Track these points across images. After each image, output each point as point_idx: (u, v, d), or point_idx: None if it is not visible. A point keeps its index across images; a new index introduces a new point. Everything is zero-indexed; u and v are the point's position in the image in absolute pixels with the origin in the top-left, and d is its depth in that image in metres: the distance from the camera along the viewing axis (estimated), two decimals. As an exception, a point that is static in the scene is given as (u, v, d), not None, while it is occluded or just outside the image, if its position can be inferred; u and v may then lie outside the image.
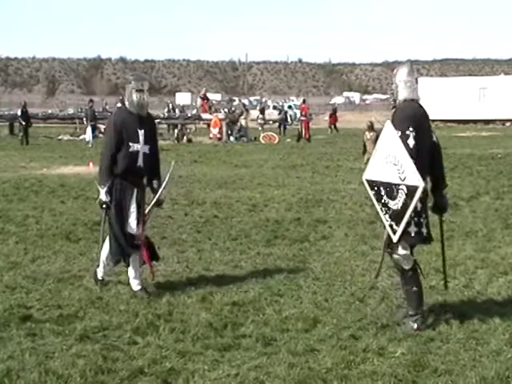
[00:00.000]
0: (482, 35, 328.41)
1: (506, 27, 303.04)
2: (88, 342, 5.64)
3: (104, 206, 6.98)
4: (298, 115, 42.25)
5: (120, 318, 6.25)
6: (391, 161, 5.92)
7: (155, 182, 7.21)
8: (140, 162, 7.03)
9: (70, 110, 56.65)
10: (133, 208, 6.99)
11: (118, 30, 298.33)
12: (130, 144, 6.96)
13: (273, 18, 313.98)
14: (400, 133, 5.87)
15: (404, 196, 5.77)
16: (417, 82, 6.26)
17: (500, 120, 51.95)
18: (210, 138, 34.47)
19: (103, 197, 6.95)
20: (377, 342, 5.58)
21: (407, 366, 5.08)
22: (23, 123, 32.30)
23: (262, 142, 33.65)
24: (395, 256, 6.03)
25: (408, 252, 5.98)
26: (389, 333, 5.82)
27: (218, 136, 34.50)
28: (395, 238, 5.89)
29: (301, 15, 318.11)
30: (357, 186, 15.76)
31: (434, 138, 6.19)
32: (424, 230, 5.97)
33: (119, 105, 7.31)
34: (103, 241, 7.20)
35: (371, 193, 6.19)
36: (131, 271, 7.13)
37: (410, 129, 5.86)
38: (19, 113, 33.28)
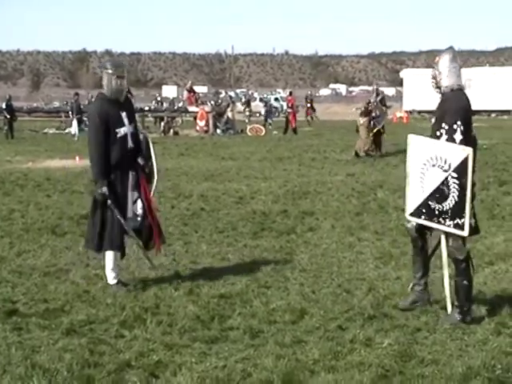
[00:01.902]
0: (468, 27, 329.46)
1: (491, 19, 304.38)
2: (74, 335, 5.62)
3: (103, 201, 6.86)
4: (285, 107, 42.20)
5: (107, 311, 6.23)
6: (429, 166, 5.82)
7: (141, 159, 7.11)
8: (130, 143, 7.01)
9: (56, 104, 56.26)
10: (131, 192, 6.96)
11: (104, 23, 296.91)
12: (117, 130, 6.92)
13: (259, 10, 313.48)
14: (448, 127, 5.75)
15: (457, 181, 5.66)
16: (460, 68, 6.09)
17: (485, 111, 52.16)
18: (197, 131, 34.37)
19: (104, 190, 6.81)
20: (364, 332, 5.59)
21: (394, 357, 5.10)
22: (8, 117, 32.02)
23: (249, 134, 33.60)
24: (449, 246, 5.94)
25: (460, 243, 5.91)
26: (376, 324, 5.84)
27: (205, 129, 34.41)
28: (466, 232, 5.74)
29: (287, 7, 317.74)
30: (343, 177, 15.80)
31: (474, 132, 6.03)
32: (473, 221, 5.88)
33: (94, 96, 7.26)
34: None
35: (422, 221, 6.02)
36: (110, 262, 7.02)
37: (458, 123, 5.74)
38: (4, 106, 33.01)
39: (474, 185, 5.82)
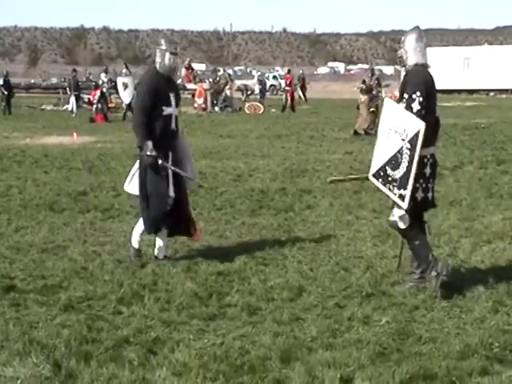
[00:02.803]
0: (467, 5, 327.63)
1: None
2: (72, 312, 5.62)
3: (153, 162, 6.76)
4: (283, 85, 42.01)
5: (104, 288, 6.23)
6: (392, 132, 5.96)
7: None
8: (173, 125, 6.98)
9: (53, 80, 56.11)
10: (169, 171, 6.92)
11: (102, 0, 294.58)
12: (164, 108, 6.89)
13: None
14: (407, 96, 5.91)
15: (408, 153, 5.78)
16: (425, 47, 6.25)
17: (484, 90, 52.09)
18: (195, 108, 34.23)
19: (150, 151, 6.73)
20: (362, 310, 5.60)
21: (392, 335, 5.10)
22: (5, 93, 31.92)
23: (247, 112, 33.51)
24: (391, 219, 6.09)
25: (403, 213, 5.98)
26: (374, 301, 5.84)
27: (203, 106, 34.28)
28: (405, 204, 5.86)
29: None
30: (341, 155, 15.77)
31: (437, 114, 6.18)
32: (430, 195, 6.06)
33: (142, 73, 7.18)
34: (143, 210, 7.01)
35: (378, 184, 6.16)
36: (161, 240, 7.10)
37: (418, 93, 5.88)
38: (1, 82, 32.83)
39: (429, 162, 5.96)
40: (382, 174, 6.09)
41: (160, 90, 6.90)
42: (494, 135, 19.85)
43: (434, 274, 5.95)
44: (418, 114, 5.84)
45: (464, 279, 6.37)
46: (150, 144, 6.77)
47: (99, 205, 9.98)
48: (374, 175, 6.23)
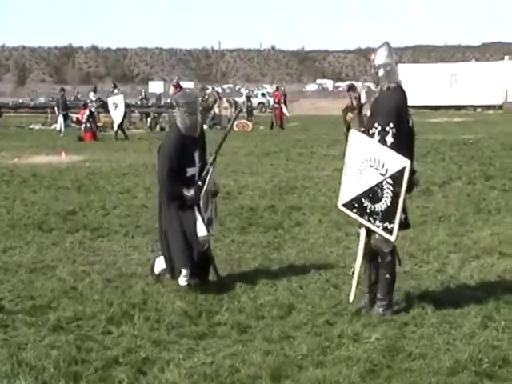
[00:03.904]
0: (453, 22, 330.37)
1: (476, 14, 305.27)
2: (61, 332, 5.59)
3: (193, 200, 6.73)
4: (272, 103, 42.11)
5: (94, 307, 6.20)
6: (367, 165, 5.83)
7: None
8: (196, 181, 6.87)
9: (41, 99, 56.00)
10: (196, 212, 6.80)
11: (90, 18, 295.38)
12: (188, 169, 6.83)
13: (245, 5, 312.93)
14: (380, 128, 5.80)
15: (391, 188, 5.70)
16: (396, 64, 6.14)
17: (471, 106, 52.36)
18: (184, 126, 34.20)
19: (189, 193, 6.71)
20: (352, 327, 5.60)
21: (382, 351, 5.11)
22: (-7, 113, 31.87)
23: (236, 129, 33.57)
24: (375, 239, 5.98)
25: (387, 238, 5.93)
26: (363, 318, 5.85)
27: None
28: (393, 237, 5.79)
29: (273, 2, 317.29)
30: (330, 172, 15.81)
31: (410, 124, 6.09)
32: (402, 216, 5.92)
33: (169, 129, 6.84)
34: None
35: (352, 214, 6.04)
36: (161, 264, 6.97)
37: (391, 125, 5.78)
38: (-11, 102, 32.78)
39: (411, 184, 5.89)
40: (356, 205, 5.96)
41: (184, 151, 6.81)
42: (482, 151, 19.95)
43: (380, 310, 5.96)
44: (392, 147, 5.75)
45: (453, 295, 6.39)
46: (185, 191, 6.71)
47: (88, 224, 9.95)
48: (344, 205, 6.08)
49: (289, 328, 5.67)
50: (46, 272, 7.45)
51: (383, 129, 5.80)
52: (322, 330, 5.61)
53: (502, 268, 7.36)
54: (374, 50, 6.20)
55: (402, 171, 5.65)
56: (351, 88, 22.51)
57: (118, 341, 5.40)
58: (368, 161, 5.82)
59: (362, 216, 5.95)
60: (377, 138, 5.84)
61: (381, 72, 6.00)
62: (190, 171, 6.86)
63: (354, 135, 6.05)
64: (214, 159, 6.98)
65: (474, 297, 6.28)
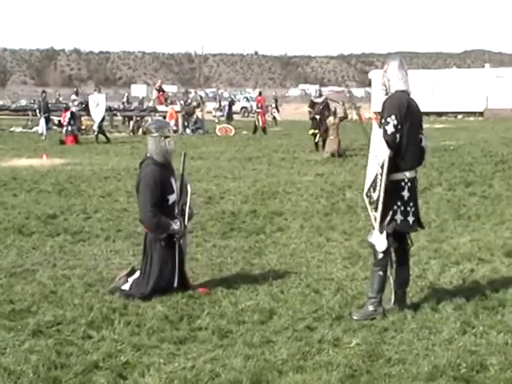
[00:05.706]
0: (435, 29, 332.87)
1: (458, 21, 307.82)
2: (41, 337, 5.57)
3: (179, 234, 6.81)
4: (254, 107, 42.16)
5: (74, 312, 6.18)
6: (374, 155, 6.09)
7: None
8: (176, 210, 6.90)
9: (23, 102, 55.50)
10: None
11: (72, 21, 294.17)
12: (168, 197, 6.83)
13: (229, 10, 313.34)
14: (383, 121, 6.05)
15: (380, 177, 5.94)
16: (407, 75, 6.33)
17: (452, 112, 52.68)
18: (166, 131, 34.15)
19: (177, 226, 6.77)
20: (332, 332, 5.63)
21: (362, 356, 5.14)
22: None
23: (218, 134, 33.56)
24: (370, 238, 6.16)
25: (383, 236, 6.06)
26: (344, 323, 5.88)
27: (174, 128, 34.24)
28: (376, 226, 6.02)
29: (257, 7, 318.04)
30: (312, 177, 15.86)
31: (423, 144, 6.29)
32: (410, 219, 6.16)
33: (144, 159, 6.76)
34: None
35: (367, 203, 6.23)
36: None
37: (392, 117, 6.00)
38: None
39: (407, 185, 6.16)
40: (368, 194, 6.22)
41: (163, 180, 6.79)
42: (463, 157, 20.09)
43: (371, 309, 6.05)
44: (392, 137, 5.97)
45: (433, 300, 6.43)
46: (172, 224, 6.74)
47: (69, 228, 9.91)
48: (366, 194, 6.32)
49: (269, 333, 5.68)
50: (26, 276, 7.40)
51: (385, 119, 6.04)
52: (303, 334, 5.63)
53: (481, 274, 7.43)
54: (387, 61, 6.43)
55: (384, 160, 5.87)
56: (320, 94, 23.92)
57: (99, 345, 5.38)
58: (374, 152, 6.10)
59: (370, 204, 6.15)
60: (381, 129, 6.09)
61: (392, 81, 6.24)
62: (171, 198, 6.86)
63: (374, 127, 6.23)
64: (182, 182, 6.98)
65: (454, 302, 6.33)
